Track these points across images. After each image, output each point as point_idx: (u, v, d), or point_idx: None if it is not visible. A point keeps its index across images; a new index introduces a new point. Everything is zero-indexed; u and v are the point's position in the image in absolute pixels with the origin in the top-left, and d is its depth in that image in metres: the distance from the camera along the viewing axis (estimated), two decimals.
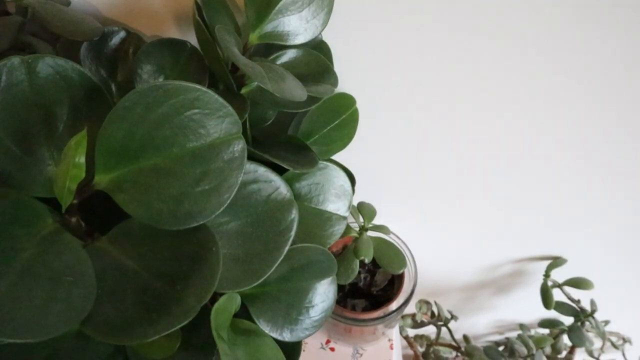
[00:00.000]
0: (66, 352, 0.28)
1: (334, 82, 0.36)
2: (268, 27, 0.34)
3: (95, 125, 0.25)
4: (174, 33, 0.41)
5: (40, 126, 0.25)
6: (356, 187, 0.51)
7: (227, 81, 0.33)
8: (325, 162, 0.38)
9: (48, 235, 0.24)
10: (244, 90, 0.36)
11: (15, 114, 0.24)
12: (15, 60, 0.24)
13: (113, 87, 0.35)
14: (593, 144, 0.48)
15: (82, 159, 0.23)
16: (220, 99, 0.25)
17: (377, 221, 0.50)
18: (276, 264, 0.30)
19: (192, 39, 0.34)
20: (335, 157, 0.46)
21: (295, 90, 0.30)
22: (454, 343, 0.70)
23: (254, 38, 0.34)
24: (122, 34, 0.36)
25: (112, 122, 0.24)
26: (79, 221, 0.27)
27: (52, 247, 0.23)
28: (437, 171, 0.54)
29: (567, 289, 0.67)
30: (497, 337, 0.90)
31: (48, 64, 0.25)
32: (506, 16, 0.38)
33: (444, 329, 0.69)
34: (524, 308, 0.79)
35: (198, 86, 0.24)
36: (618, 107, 0.45)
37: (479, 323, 0.86)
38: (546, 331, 0.73)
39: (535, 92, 0.44)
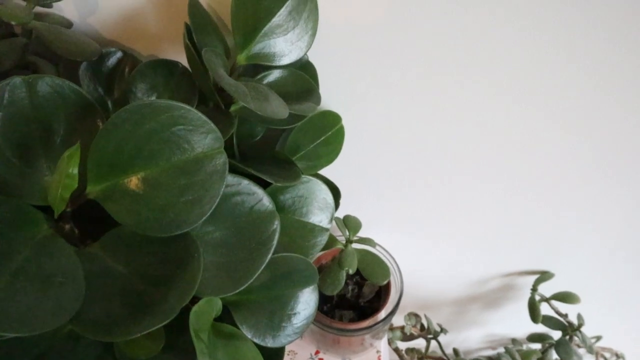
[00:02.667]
0: (57, 352, 0.29)
1: (317, 100, 0.38)
2: (255, 49, 0.37)
3: (89, 139, 0.27)
4: (168, 53, 0.43)
5: (39, 139, 0.28)
6: (345, 201, 0.53)
7: (214, 99, 0.35)
8: (308, 177, 0.40)
9: (42, 240, 0.26)
10: (232, 108, 0.38)
11: (16, 129, 0.27)
12: (17, 80, 0.26)
13: (109, 104, 0.38)
14: (580, 160, 0.50)
15: (75, 170, 0.25)
16: (204, 117, 0.27)
17: (367, 235, 0.51)
18: (258, 272, 0.32)
19: (185, 59, 0.37)
20: (323, 172, 0.48)
21: (277, 109, 0.32)
22: (444, 357, 0.71)
23: (241, 59, 0.37)
24: (119, 54, 0.39)
25: (103, 137, 0.26)
26: (72, 228, 0.29)
27: (45, 251, 0.25)
28: (426, 186, 0.56)
29: (555, 303, 0.68)
30: (490, 352, 0.90)
31: (47, 83, 0.27)
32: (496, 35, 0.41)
33: (434, 342, 0.70)
34: (515, 322, 0.80)
35: (183, 104, 0.26)
36: (603, 127, 0.46)
37: (471, 337, 0.87)
38: (538, 346, 0.74)
39: (525, 107, 0.45)
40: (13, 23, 0.32)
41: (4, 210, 0.25)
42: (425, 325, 0.70)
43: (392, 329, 0.69)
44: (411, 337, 0.69)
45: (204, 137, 0.27)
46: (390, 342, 0.68)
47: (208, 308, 0.28)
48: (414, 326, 0.69)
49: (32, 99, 0.27)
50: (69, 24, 0.41)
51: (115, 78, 0.38)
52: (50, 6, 0.40)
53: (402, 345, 0.72)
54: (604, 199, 0.55)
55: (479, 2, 0.38)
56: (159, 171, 0.27)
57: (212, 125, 0.27)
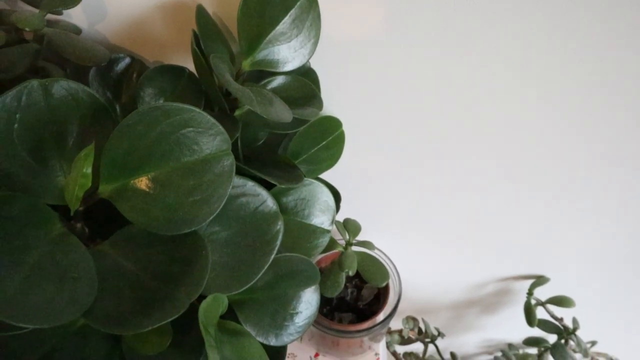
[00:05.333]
0: (66, 349, 0.30)
1: (319, 105, 0.40)
2: (259, 55, 0.38)
3: (101, 140, 0.28)
4: (174, 58, 0.44)
5: (53, 140, 0.29)
6: (345, 205, 0.54)
7: (220, 104, 0.36)
8: (310, 180, 0.41)
9: (56, 237, 0.27)
10: (237, 113, 0.39)
11: (32, 130, 0.28)
12: (35, 83, 0.27)
13: (117, 108, 0.39)
14: (576, 169, 0.51)
15: (89, 170, 0.26)
16: (212, 119, 0.28)
17: (366, 238, 0.52)
18: (262, 271, 0.33)
19: (191, 65, 0.38)
20: (323, 176, 0.49)
21: (282, 113, 0.34)
22: None
23: (246, 65, 0.38)
24: (127, 60, 0.40)
25: (116, 138, 0.27)
26: (83, 226, 0.30)
27: (60, 247, 0.26)
28: (425, 191, 0.57)
29: (550, 307, 0.69)
30: (487, 357, 0.91)
31: (62, 87, 0.28)
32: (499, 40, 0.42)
33: (431, 346, 0.71)
34: (512, 327, 0.81)
35: (193, 107, 0.28)
36: (600, 134, 0.48)
37: (468, 342, 0.88)
38: (534, 350, 0.75)
39: (523, 113, 0.47)
40: (27, 30, 0.33)
41: (20, 208, 0.26)
42: (423, 329, 0.70)
43: (390, 332, 0.69)
44: (409, 341, 0.70)
45: (212, 139, 0.28)
46: (388, 345, 0.69)
47: (215, 303, 0.29)
48: (412, 330, 0.70)
49: (48, 101, 0.28)
50: (78, 31, 0.42)
51: (124, 83, 0.39)
52: (60, 13, 0.41)
53: (400, 349, 0.73)
54: (599, 205, 0.56)
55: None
56: (168, 171, 0.28)
57: (221, 127, 0.28)
